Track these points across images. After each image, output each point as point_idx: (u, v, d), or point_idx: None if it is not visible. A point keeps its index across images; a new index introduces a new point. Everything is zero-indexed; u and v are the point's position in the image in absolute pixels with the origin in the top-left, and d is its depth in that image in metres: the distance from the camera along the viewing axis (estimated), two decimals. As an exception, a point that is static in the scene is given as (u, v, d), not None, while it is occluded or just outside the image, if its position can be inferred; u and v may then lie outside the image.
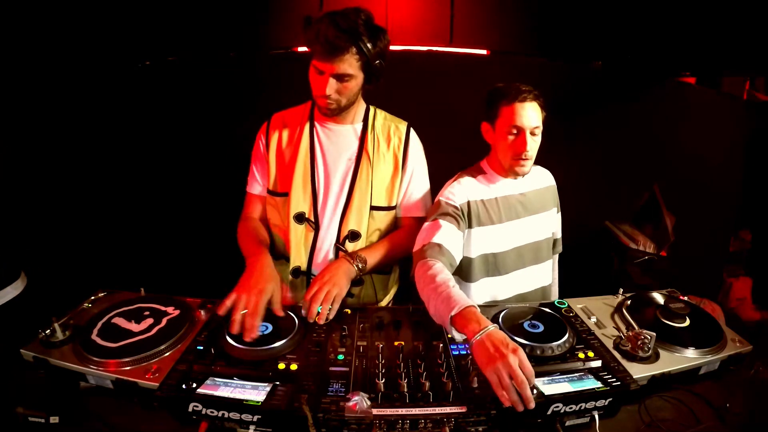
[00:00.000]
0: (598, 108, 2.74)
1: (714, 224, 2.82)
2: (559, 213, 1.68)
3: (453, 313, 1.05)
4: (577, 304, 1.37)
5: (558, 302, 1.37)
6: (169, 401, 0.98)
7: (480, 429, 0.95)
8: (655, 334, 1.13)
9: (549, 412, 0.96)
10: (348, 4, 1.30)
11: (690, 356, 1.15)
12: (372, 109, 1.51)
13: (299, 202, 1.44)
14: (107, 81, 2.46)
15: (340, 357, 1.12)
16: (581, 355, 1.12)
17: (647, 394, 1.10)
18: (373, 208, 1.46)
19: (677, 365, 1.12)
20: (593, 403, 0.98)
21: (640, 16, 2.50)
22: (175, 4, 2.41)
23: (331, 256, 1.48)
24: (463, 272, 1.49)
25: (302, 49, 2.49)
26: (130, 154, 2.57)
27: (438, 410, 0.95)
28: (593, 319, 1.29)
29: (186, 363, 1.07)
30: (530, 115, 1.37)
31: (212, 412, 0.95)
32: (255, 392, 0.97)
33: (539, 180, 1.59)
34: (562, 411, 0.97)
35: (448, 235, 1.34)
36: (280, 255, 1.52)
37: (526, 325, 1.22)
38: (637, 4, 2.51)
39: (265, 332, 1.17)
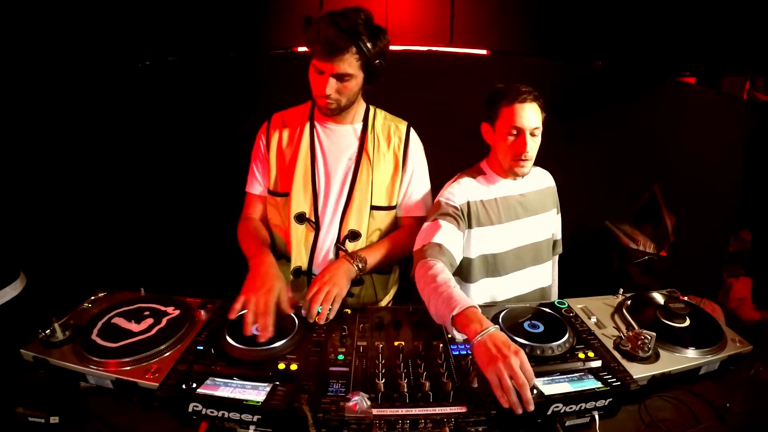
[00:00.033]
0: (598, 108, 2.74)
1: (714, 224, 2.82)
2: (559, 214, 1.67)
3: (454, 313, 1.05)
4: (577, 304, 1.37)
5: (558, 302, 1.37)
6: (169, 401, 0.98)
7: (480, 429, 0.95)
8: (655, 334, 1.13)
9: (549, 412, 0.96)
10: (348, 4, 1.30)
11: (690, 356, 1.15)
12: (372, 108, 1.51)
13: (300, 202, 1.44)
14: (107, 81, 2.46)
15: (340, 357, 1.12)
16: (581, 355, 1.12)
17: (647, 394, 1.10)
18: (373, 207, 1.46)
19: (677, 365, 1.12)
20: (593, 403, 0.98)
21: (640, 16, 2.50)
22: (175, 4, 2.41)
23: (332, 255, 1.48)
24: (463, 273, 1.49)
25: (302, 49, 2.49)
26: (131, 154, 2.57)
27: (438, 410, 0.95)
28: (593, 319, 1.29)
29: (186, 363, 1.07)
30: (530, 116, 1.37)
31: (212, 412, 0.95)
32: (255, 392, 0.97)
33: (539, 181, 1.59)
34: (562, 411, 0.97)
35: (448, 235, 1.34)
36: (281, 255, 1.52)
37: (526, 325, 1.22)
38: (637, 4, 2.51)
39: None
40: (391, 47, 1.37)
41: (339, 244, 1.46)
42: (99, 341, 1.13)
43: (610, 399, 0.99)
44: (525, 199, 1.52)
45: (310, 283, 1.34)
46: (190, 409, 0.95)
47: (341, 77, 1.30)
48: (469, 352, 1.13)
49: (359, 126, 1.48)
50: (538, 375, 0.96)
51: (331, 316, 1.26)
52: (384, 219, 1.50)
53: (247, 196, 1.57)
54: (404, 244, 1.47)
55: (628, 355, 1.13)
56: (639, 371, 1.08)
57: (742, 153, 2.76)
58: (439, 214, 1.40)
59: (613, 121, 2.73)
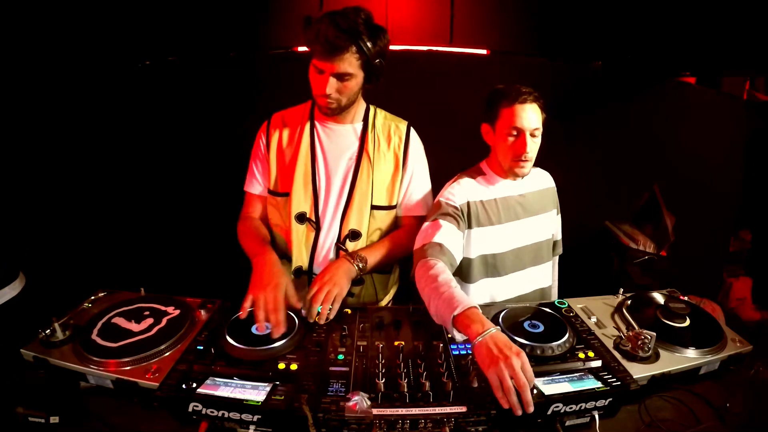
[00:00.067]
0: (598, 108, 2.74)
1: (714, 224, 2.82)
2: (559, 215, 1.67)
3: (455, 313, 1.05)
4: (577, 304, 1.37)
5: (558, 302, 1.37)
6: (169, 401, 0.98)
7: (480, 429, 0.95)
8: (655, 334, 1.13)
9: (549, 412, 0.96)
10: (348, 3, 1.30)
11: (690, 356, 1.15)
12: (372, 108, 1.51)
13: (300, 202, 1.44)
14: (107, 81, 2.46)
15: (340, 357, 1.12)
16: (581, 355, 1.12)
17: (647, 394, 1.10)
18: (373, 207, 1.46)
19: (677, 365, 1.12)
20: (593, 403, 0.98)
21: (640, 16, 2.50)
22: (175, 4, 2.41)
23: (332, 255, 1.48)
24: (463, 273, 1.49)
25: (302, 49, 2.49)
26: (130, 154, 2.57)
27: (438, 410, 0.95)
28: (593, 319, 1.29)
29: (186, 363, 1.07)
30: (530, 116, 1.37)
31: (212, 412, 0.95)
32: (255, 392, 0.97)
33: (539, 182, 1.59)
34: (562, 411, 0.97)
35: (448, 235, 1.34)
36: (282, 255, 1.52)
37: (526, 325, 1.22)
38: (637, 4, 2.51)
39: (265, 332, 1.17)
40: (391, 47, 1.36)
41: (339, 244, 1.46)
42: (99, 341, 1.13)
43: (610, 399, 0.99)
44: (525, 199, 1.52)
45: (311, 282, 1.34)
46: (190, 409, 0.95)
47: (341, 77, 1.30)
48: (469, 352, 1.13)
49: (359, 126, 1.48)
50: (538, 375, 0.96)
51: (332, 316, 1.26)
52: (384, 219, 1.50)
53: (246, 196, 1.57)
54: (404, 244, 1.47)
55: (628, 355, 1.13)
56: (639, 371, 1.08)
57: (742, 153, 2.76)
58: (439, 214, 1.40)
59: (613, 121, 2.73)
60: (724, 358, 1.17)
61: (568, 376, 1.05)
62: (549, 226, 1.60)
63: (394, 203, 1.50)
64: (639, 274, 2.53)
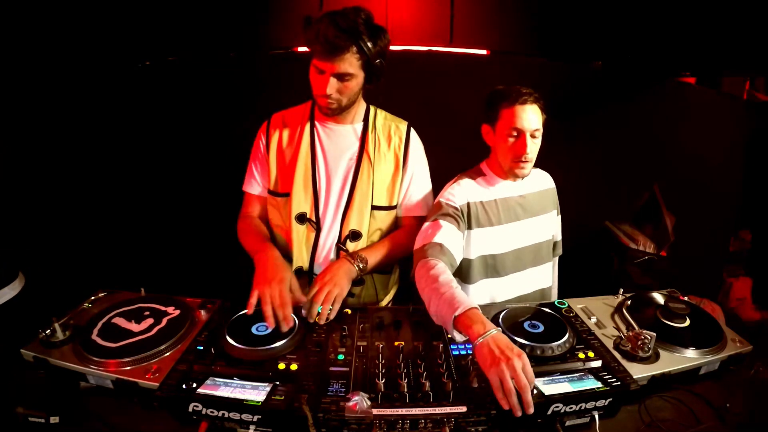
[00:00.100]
0: (598, 108, 2.74)
1: (714, 224, 2.82)
2: (559, 216, 1.67)
3: (457, 314, 1.05)
4: (577, 304, 1.37)
5: (558, 302, 1.37)
6: (169, 401, 0.98)
7: (480, 429, 0.95)
8: (655, 334, 1.13)
9: (549, 412, 0.96)
10: (348, 3, 1.30)
11: (690, 356, 1.15)
12: (372, 108, 1.51)
13: (300, 202, 1.44)
14: (107, 81, 2.46)
15: (340, 357, 1.12)
16: (581, 355, 1.12)
17: (647, 394, 1.10)
18: (374, 207, 1.46)
19: (677, 365, 1.12)
20: (593, 403, 0.98)
21: (640, 16, 2.50)
22: (175, 4, 2.41)
23: (333, 256, 1.48)
24: (462, 273, 1.49)
25: (302, 49, 2.49)
26: (130, 154, 2.57)
27: (438, 410, 0.95)
28: (593, 319, 1.29)
29: (186, 363, 1.07)
30: (531, 117, 1.37)
31: (212, 412, 0.95)
32: (255, 392, 0.97)
33: (539, 182, 1.59)
34: (562, 411, 0.97)
35: (448, 236, 1.34)
36: (282, 255, 1.52)
37: (526, 325, 1.22)
38: (637, 4, 2.51)
39: (265, 332, 1.17)
40: (391, 47, 1.36)
41: (340, 245, 1.46)
42: (99, 341, 1.13)
43: (610, 399, 0.99)
44: (525, 200, 1.52)
45: (311, 283, 1.34)
46: (190, 409, 0.95)
47: (342, 77, 1.30)
48: (469, 353, 1.13)
49: (360, 126, 1.48)
50: (538, 375, 0.96)
51: (332, 317, 1.26)
52: (385, 219, 1.50)
53: (245, 196, 1.57)
54: (404, 244, 1.47)
55: (628, 355, 1.13)
56: (639, 371, 1.08)
57: (742, 153, 2.76)
58: (439, 214, 1.40)
59: (613, 121, 2.73)
60: (724, 358, 1.17)
61: (568, 376, 1.05)
62: (549, 226, 1.60)
63: (394, 204, 1.50)
64: (639, 274, 2.53)
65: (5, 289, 1.50)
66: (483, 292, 1.50)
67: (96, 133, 2.47)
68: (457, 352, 1.15)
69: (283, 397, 0.96)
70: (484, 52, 2.68)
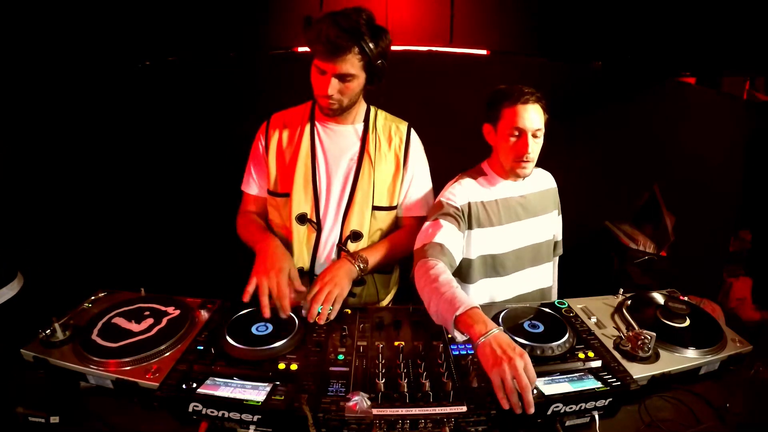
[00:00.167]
0: (598, 108, 2.74)
1: (714, 224, 2.82)
2: (560, 215, 1.67)
3: (458, 313, 1.04)
4: (577, 304, 1.37)
5: (558, 302, 1.37)
6: (169, 401, 0.98)
7: (480, 429, 0.95)
8: (655, 334, 1.13)
9: (549, 412, 0.96)
10: (348, 4, 1.30)
11: (690, 356, 1.15)
12: (373, 109, 1.51)
13: (300, 202, 1.44)
14: (107, 81, 2.46)
15: (340, 357, 1.12)
16: (581, 355, 1.12)
17: (647, 394, 1.10)
18: (374, 208, 1.46)
19: (677, 365, 1.12)
20: (593, 403, 0.98)
21: (640, 16, 2.50)
22: (175, 4, 2.41)
23: (334, 256, 1.48)
24: (463, 273, 1.49)
25: (302, 49, 2.49)
26: (130, 154, 2.57)
27: (438, 410, 0.95)
28: (593, 319, 1.29)
29: (186, 363, 1.07)
30: (532, 117, 1.37)
31: (212, 412, 0.95)
32: (255, 392, 0.97)
33: (540, 182, 1.58)
34: (562, 411, 0.97)
35: (449, 236, 1.34)
36: None
37: (526, 325, 1.22)
38: (637, 4, 2.51)
39: (265, 332, 1.17)
40: (392, 47, 1.36)
41: (341, 245, 1.46)
42: (99, 341, 1.13)
43: (610, 399, 0.99)
44: (526, 200, 1.52)
45: (312, 283, 1.34)
46: (190, 409, 0.95)
47: (343, 77, 1.30)
48: (470, 352, 1.13)
49: (360, 126, 1.48)
50: (538, 375, 0.96)
51: (332, 317, 1.26)
52: (385, 219, 1.50)
53: (243, 195, 1.58)
54: (405, 244, 1.47)
55: (628, 355, 1.13)
56: (639, 371, 1.08)
57: (742, 153, 2.76)
58: (440, 214, 1.39)
59: (613, 121, 2.73)
60: (724, 358, 1.17)
61: (568, 376, 1.05)
62: (550, 226, 1.60)
63: (395, 204, 1.50)
64: (639, 274, 2.53)
65: (4, 289, 1.50)
66: (483, 292, 1.50)
67: (96, 133, 2.47)
68: (457, 352, 1.15)
69: (283, 397, 0.96)
70: (484, 52, 2.68)
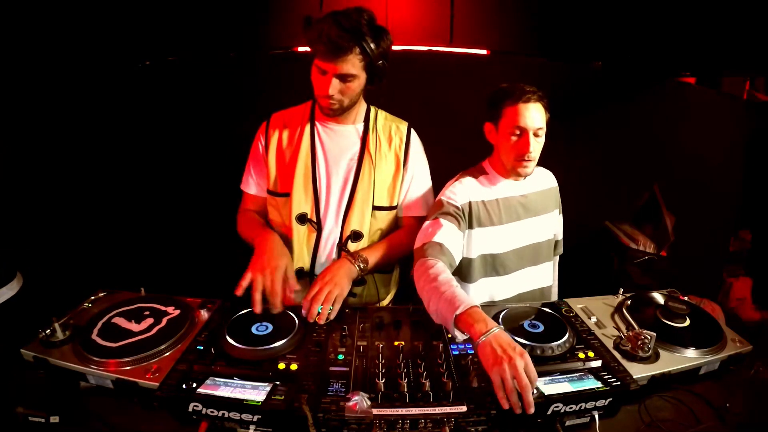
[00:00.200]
0: (598, 108, 2.74)
1: (714, 224, 2.82)
2: (561, 215, 1.67)
3: (458, 312, 1.04)
4: (577, 304, 1.37)
5: (558, 302, 1.37)
6: (169, 401, 0.98)
7: (480, 429, 0.95)
8: (655, 334, 1.13)
9: (549, 412, 0.96)
10: (348, 4, 1.30)
11: (690, 356, 1.15)
12: (373, 109, 1.51)
13: (300, 202, 1.44)
14: (107, 81, 2.46)
15: (340, 357, 1.12)
16: (581, 355, 1.12)
17: (647, 394, 1.10)
18: (375, 208, 1.46)
19: (677, 365, 1.12)
20: (593, 403, 0.98)
21: (640, 17, 2.50)
22: (175, 4, 2.41)
23: (334, 256, 1.48)
24: (463, 272, 1.49)
25: (302, 49, 2.49)
26: (130, 154, 2.57)
27: (438, 410, 0.95)
28: (593, 319, 1.29)
29: (186, 363, 1.07)
30: (534, 115, 1.37)
31: (212, 412, 0.95)
32: (255, 392, 0.97)
33: (541, 181, 1.58)
34: (562, 411, 0.97)
35: (449, 235, 1.34)
36: None
37: (526, 325, 1.22)
38: (637, 4, 2.51)
39: (265, 332, 1.17)
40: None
41: (342, 245, 1.46)
42: (99, 341, 1.13)
43: (610, 399, 0.99)
44: (527, 200, 1.52)
45: (312, 283, 1.34)
46: (190, 409, 0.95)
47: (344, 77, 1.29)
48: (470, 352, 1.13)
49: (360, 126, 1.48)
50: (538, 375, 0.96)
51: (332, 317, 1.26)
52: (386, 219, 1.50)
53: (243, 195, 1.58)
54: (405, 244, 1.47)
55: (628, 355, 1.13)
56: (639, 371, 1.08)
57: (742, 153, 2.76)
58: (440, 213, 1.39)
59: (613, 121, 2.73)
60: (724, 358, 1.17)
61: (568, 376, 1.05)
62: (550, 226, 1.60)
63: (395, 204, 1.50)
64: (639, 274, 2.53)
65: (3, 289, 1.50)
66: (483, 291, 1.50)
67: (96, 133, 2.47)
68: (457, 352, 1.15)
69: (283, 397, 0.96)
70: (484, 52, 2.68)
